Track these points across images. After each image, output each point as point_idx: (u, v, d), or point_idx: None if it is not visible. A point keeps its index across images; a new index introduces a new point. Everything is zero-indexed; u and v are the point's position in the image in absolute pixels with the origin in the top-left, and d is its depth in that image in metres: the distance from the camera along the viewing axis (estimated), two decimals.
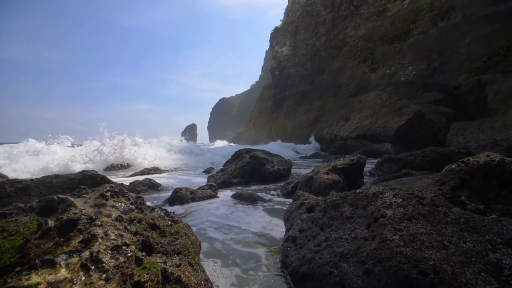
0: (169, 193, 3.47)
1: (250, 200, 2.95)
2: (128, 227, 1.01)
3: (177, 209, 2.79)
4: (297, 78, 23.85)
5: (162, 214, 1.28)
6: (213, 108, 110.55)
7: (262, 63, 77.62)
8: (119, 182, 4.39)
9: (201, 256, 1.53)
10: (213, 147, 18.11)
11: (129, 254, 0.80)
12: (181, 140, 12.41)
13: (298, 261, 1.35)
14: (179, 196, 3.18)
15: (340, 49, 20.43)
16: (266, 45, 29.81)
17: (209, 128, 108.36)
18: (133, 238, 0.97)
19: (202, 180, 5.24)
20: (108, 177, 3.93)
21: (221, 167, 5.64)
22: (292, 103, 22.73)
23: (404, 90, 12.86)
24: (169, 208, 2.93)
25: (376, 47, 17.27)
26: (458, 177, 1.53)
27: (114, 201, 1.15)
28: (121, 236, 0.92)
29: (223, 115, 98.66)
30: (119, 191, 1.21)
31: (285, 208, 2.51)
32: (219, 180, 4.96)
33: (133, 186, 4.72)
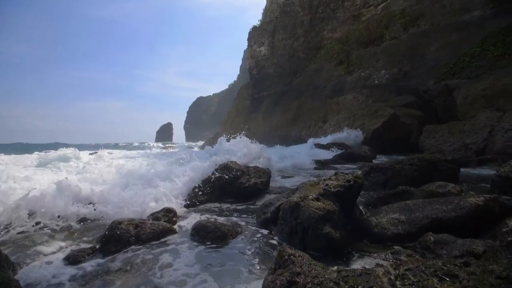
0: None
1: (217, 235, 2.18)
2: None
3: (102, 264, 1.78)
4: (275, 78, 23.62)
5: None
6: (190, 107, 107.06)
7: (240, 62, 76.71)
8: None
9: None
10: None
11: None
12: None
13: None
14: (117, 236, 2.12)
15: (317, 51, 20.56)
16: (245, 45, 29.31)
17: (185, 127, 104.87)
18: None
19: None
20: None
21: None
22: (270, 103, 22.44)
23: (379, 93, 13.14)
24: (92, 262, 1.80)
25: (351, 50, 17.59)
26: None
27: None
28: None
29: (201, 114, 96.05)
30: None
31: (266, 249, 1.86)
32: None
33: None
